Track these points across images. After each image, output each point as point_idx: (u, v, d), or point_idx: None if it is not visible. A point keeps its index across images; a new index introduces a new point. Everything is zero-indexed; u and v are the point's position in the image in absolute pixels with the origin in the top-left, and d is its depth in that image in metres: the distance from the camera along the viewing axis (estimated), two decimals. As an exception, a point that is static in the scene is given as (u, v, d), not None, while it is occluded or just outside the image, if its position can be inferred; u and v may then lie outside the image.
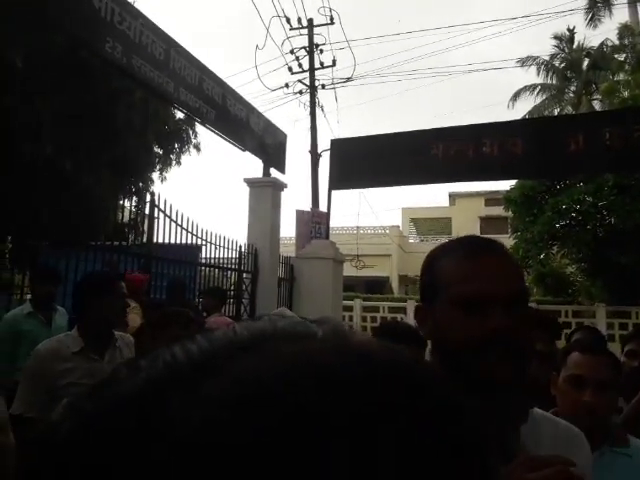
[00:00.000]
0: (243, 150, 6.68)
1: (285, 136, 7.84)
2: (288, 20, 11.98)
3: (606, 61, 17.15)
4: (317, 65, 12.81)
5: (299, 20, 12.28)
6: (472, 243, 0.86)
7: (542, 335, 1.92)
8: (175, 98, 5.27)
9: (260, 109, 7.39)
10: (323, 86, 13.11)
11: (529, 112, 19.29)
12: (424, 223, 27.14)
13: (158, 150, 10.50)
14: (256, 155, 7.00)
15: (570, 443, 0.83)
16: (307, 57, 12.77)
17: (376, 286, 19.68)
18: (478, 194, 23.75)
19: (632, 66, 14.04)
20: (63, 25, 4.16)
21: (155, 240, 5.43)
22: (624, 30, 14.78)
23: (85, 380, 2.02)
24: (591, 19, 17.61)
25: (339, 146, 7.42)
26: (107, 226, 6.62)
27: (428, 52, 15.25)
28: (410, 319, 12.76)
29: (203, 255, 6.32)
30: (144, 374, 0.23)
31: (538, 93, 20.25)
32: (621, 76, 14.95)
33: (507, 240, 11.80)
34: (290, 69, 12.83)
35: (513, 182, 13.01)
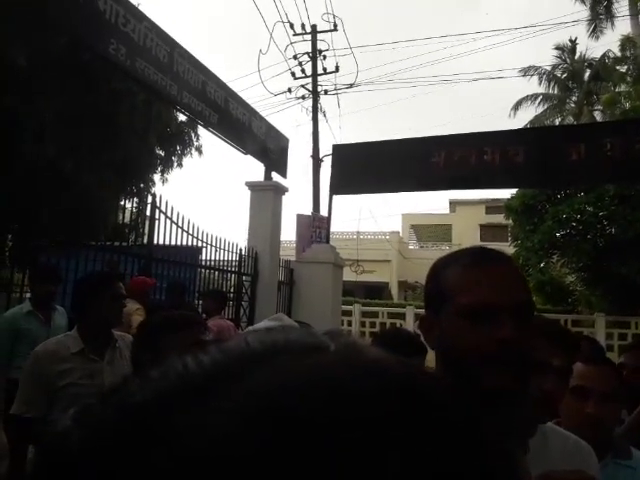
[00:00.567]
0: (245, 153, 6.69)
1: (287, 140, 7.86)
2: (292, 26, 12.04)
3: (608, 72, 17.22)
4: (320, 71, 12.86)
5: (302, 26, 12.35)
6: (479, 253, 0.85)
7: (558, 350, 1.86)
8: (178, 101, 5.28)
9: (262, 113, 7.41)
10: (326, 92, 13.15)
11: (530, 122, 19.37)
12: (424, 229, 27.16)
13: (160, 152, 10.50)
14: (258, 159, 7.01)
15: (579, 457, 0.83)
16: (310, 63, 12.82)
17: (375, 291, 19.68)
18: (479, 202, 23.80)
19: (634, 78, 14.09)
20: (67, 26, 4.18)
21: (155, 241, 5.43)
22: (626, 42, 14.84)
23: (85, 381, 2.02)
24: (593, 30, 17.69)
25: (341, 151, 7.43)
26: (108, 227, 6.62)
27: (431, 60, 15.33)
28: (409, 325, 12.75)
29: (203, 257, 6.32)
30: (155, 384, 0.23)
31: (539, 103, 20.34)
32: (622, 87, 15.01)
33: (507, 248, 11.80)
34: (293, 74, 12.88)
35: (514, 190, 13.04)
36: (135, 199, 8.54)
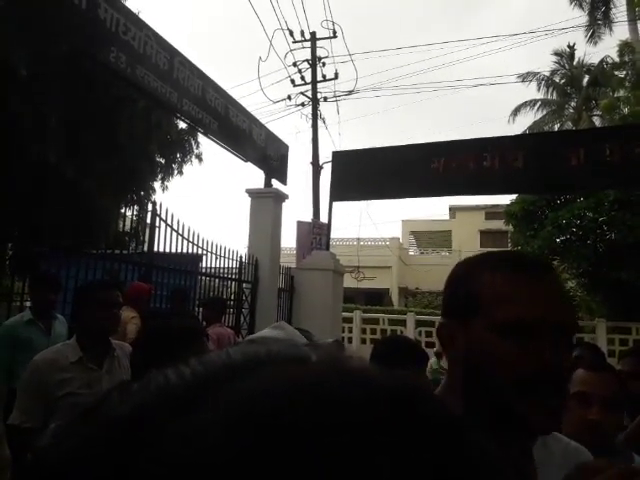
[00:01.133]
0: (245, 161, 6.71)
1: (287, 147, 7.88)
2: (291, 33, 12.12)
3: (606, 78, 17.29)
4: (319, 78, 12.92)
5: (302, 33, 12.42)
6: (520, 259, 0.75)
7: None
8: (178, 108, 5.30)
9: (262, 121, 7.44)
10: (325, 99, 13.21)
11: (529, 127, 19.42)
12: (424, 236, 27.16)
13: (160, 159, 10.54)
14: (258, 166, 7.02)
15: (580, 461, 0.82)
16: (310, 70, 12.89)
17: (376, 298, 19.64)
18: (478, 208, 23.80)
19: (632, 83, 14.13)
20: (68, 35, 4.20)
21: (156, 249, 5.42)
22: (624, 47, 14.89)
23: (83, 390, 2.01)
24: (591, 36, 17.78)
25: (340, 158, 7.45)
26: (108, 234, 6.62)
27: (430, 66, 15.42)
28: (410, 332, 12.71)
29: (203, 264, 6.31)
30: (136, 398, 0.23)
31: (538, 109, 20.40)
32: (621, 93, 15.05)
33: (507, 254, 11.78)
34: (293, 81, 12.94)
35: (513, 196, 13.05)
36: (135, 207, 8.56)
